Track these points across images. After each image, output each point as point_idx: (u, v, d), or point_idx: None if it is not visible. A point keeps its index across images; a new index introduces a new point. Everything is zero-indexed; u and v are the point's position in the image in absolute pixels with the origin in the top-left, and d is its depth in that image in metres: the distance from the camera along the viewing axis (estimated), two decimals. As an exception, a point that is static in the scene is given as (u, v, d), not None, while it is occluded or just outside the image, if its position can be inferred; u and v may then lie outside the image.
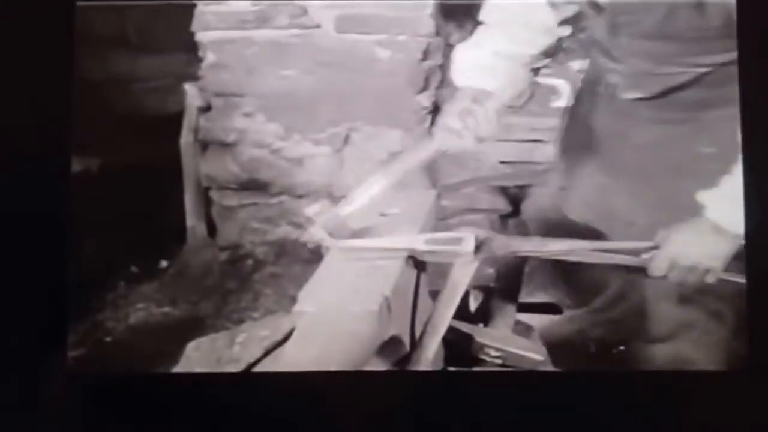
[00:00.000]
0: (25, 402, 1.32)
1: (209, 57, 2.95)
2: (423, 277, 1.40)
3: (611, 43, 1.51)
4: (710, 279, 1.33)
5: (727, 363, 1.61)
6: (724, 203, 1.34)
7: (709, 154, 1.50)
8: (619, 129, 1.60)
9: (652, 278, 1.36)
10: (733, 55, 1.37)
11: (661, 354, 1.64)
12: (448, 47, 2.73)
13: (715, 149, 1.50)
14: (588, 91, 1.69)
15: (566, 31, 1.53)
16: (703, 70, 1.45)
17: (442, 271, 1.38)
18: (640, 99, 1.53)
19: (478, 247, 1.34)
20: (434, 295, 1.38)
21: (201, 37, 2.94)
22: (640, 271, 1.43)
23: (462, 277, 1.33)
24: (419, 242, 1.35)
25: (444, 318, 1.31)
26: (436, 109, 2.80)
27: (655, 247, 1.35)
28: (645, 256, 1.37)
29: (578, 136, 1.71)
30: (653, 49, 1.45)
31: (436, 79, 2.82)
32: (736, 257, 1.34)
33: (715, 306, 1.59)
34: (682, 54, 1.44)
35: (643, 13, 1.41)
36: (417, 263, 1.38)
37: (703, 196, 1.37)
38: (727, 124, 1.45)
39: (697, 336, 1.62)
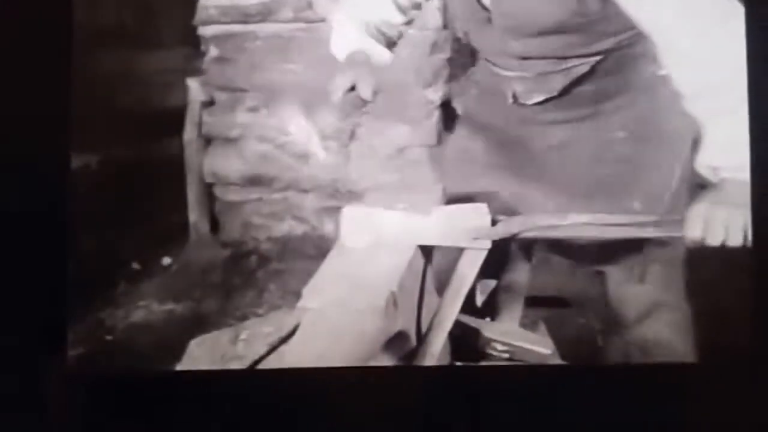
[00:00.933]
0: (26, 401, 1.31)
1: (212, 51, 2.94)
2: (429, 271, 1.39)
3: (506, 51, 1.52)
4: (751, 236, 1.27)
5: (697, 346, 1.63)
6: (731, 160, 1.31)
7: (621, 138, 1.52)
8: (525, 134, 1.60)
9: (687, 246, 1.32)
10: (618, 38, 1.42)
11: (637, 337, 1.64)
12: (456, 41, 2.72)
13: (626, 132, 1.51)
14: (482, 102, 1.71)
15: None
16: (597, 58, 1.46)
17: (449, 267, 1.37)
18: (546, 101, 1.54)
19: (494, 222, 1.33)
20: (440, 290, 1.37)
21: (203, 31, 2.93)
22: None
23: (468, 271, 1.32)
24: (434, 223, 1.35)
25: (450, 313, 1.30)
26: (443, 104, 2.80)
27: (679, 219, 1.31)
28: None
29: (472, 147, 1.71)
30: (546, 46, 1.46)
31: (444, 74, 2.80)
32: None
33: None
34: (573, 46, 1.45)
35: (527, 12, 1.42)
36: (425, 250, 1.38)
37: (706, 160, 1.34)
38: (628, 108, 1.50)
39: (667, 315, 1.63)
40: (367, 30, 1.59)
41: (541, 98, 1.53)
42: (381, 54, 1.59)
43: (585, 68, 1.47)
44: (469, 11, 1.50)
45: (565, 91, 1.51)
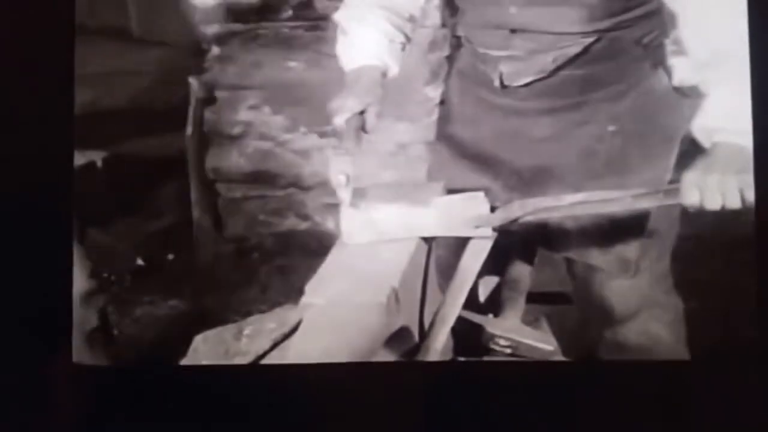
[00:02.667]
0: (33, 395, 1.32)
1: (214, 49, 2.95)
2: (431, 267, 1.39)
3: (502, 20, 1.49)
4: (750, 196, 1.24)
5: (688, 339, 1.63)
6: (732, 123, 1.30)
7: (611, 132, 1.50)
8: (513, 127, 1.58)
9: (689, 211, 1.31)
10: (618, 19, 1.42)
11: (631, 334, 1.62)
12: (455, 38, 2.72)
13: (616, 126, 1.50)
14: (466, 92, 1.68)
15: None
16: (590, 39, 1.45)
17: (451, 262, 1.37)
18: (534, 83, 1.51)
19: (494, 209, 1.32)
20: (443, 285, 1.37)
21: (205, 29, 2.94)
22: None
23: (471, 265, 1.32)
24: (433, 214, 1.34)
25: (454, 308, 1.30)
26: (443, 102, 2.79)
27: (675, 188, 1.30)
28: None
29: (457, 141, 1.69)
30: (545, 18, 1.44)
31: (443, 71, 2.80)
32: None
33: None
34: (571, 21, 1.43)
35: None
36: (429, 242, 1.37)
37: (706, 121, 1.33)
38: (619, 100, 1.49)
39: (659, 310, 1.62)
40: (381, 37, 1.53)
41: (529, 79, 1.51)
42: (391, 69, 1.53)
43: (577, 49, 1.45)
44: None
45: (554, 73, 1.49)
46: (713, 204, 1.23)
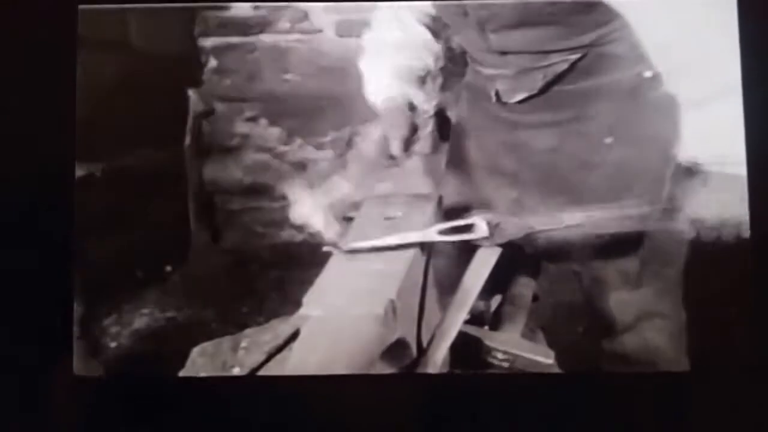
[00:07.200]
0: (33, 407, 1.32)
1: (211, 62, 2.95)
2: (430, 279, 1.40)
3: (487, 46, 1.52)
4: (746, 232, 1.27)
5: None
6: (713, 148, 1.33)
7: (608, 144, 1.52)
8: (516, 139, 1.60)
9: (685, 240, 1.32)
10: (598, 32, 1.43)
11: (631, 345, 1.63)
12: (450, 50, 2.73)
13: (612, 137, 1.51)
14: (472, 108, 1.71)
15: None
16: (577, 55, 1.46)
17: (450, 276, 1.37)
18: (527, 99, 1.54)
19: (492, 233, 1.33)
20: (442, 298, 1.38)
21: (203, 42, 2.95)
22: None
23: (474, 283, 1.33)
24: (431, 234, 1.34)
25: (455, 323, 1.30)
26: (438, 113, 2.80)
27: (675, 209, 1.30)
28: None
29: (463, 156, 1.71)
30: (525, 40, 1.46)
31: (437, 83, 2.81)
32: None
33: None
34: (552, 39, 1.45)
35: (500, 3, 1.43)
36: (426, 255, 1.37)
37: (689, 150, 1.35)
38: (613, 112, 1.50)
39: (659, 322, 1.62)
40: (398, 71, 1.55)
41: (522, 96, 1.53)
42: (416, 98, 1.56)
43: (564, 65, 1.47)
44: (446, 5, 1.51)
45: (545, 90, 1.51)
46: (709, 236, 1.25)
